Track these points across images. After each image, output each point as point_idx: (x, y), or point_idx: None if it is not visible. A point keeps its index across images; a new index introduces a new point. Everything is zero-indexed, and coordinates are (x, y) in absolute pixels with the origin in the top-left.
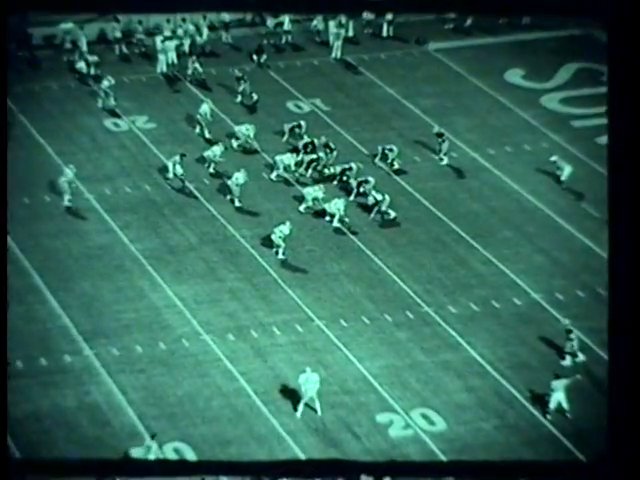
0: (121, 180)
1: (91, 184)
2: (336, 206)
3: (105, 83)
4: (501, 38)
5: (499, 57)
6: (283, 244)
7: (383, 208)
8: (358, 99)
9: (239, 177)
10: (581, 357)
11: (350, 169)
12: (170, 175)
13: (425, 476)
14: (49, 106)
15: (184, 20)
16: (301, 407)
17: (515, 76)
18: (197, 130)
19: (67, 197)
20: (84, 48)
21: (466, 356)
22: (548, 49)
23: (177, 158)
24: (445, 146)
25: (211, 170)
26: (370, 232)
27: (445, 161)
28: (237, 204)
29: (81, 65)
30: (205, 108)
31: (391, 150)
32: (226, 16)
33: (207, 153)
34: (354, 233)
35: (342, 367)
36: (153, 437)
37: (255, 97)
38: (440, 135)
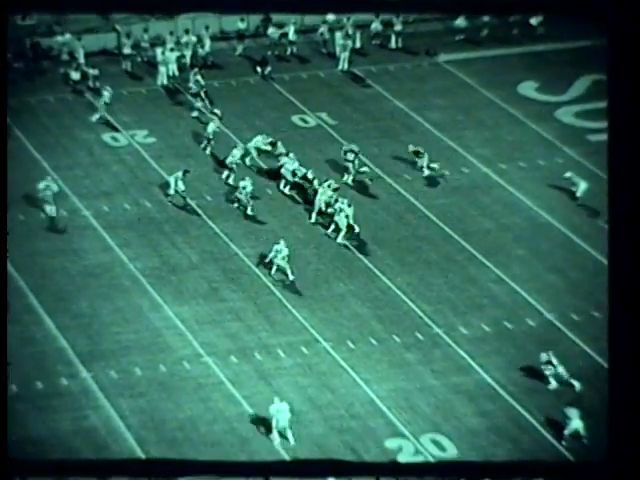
0: (120, 196)
1: (89, 200)
2: (343, 214)
3: (105, 94)
4: (514, 49)
5: (512, 69)
6: (288, 265)
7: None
8: (366, 113)
9: (246, 185)
10: (576, 385)
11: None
12: (171, 191)
13: (425, 477)
14: (45, 119)
15: (187, 31)
16: (276, 435)
17: (529, 88)
18: (208, 150)
19: (49, 208)
20: (81, 60)
21: (478, 379)
22: (563, 61)
23: (180, 174)
24: (424, 160)
25: (230, 181)
26: (378, 250)
27: (426, 173)
28: (249, 212)
29: (77, 76)
30: (212, 127)
31: (356, 154)
32: (240, 24)
33: (228, 159)
34: (363, 253)
35: (349, 390)
36: None
37: (218, 112)
38: (417, 153)
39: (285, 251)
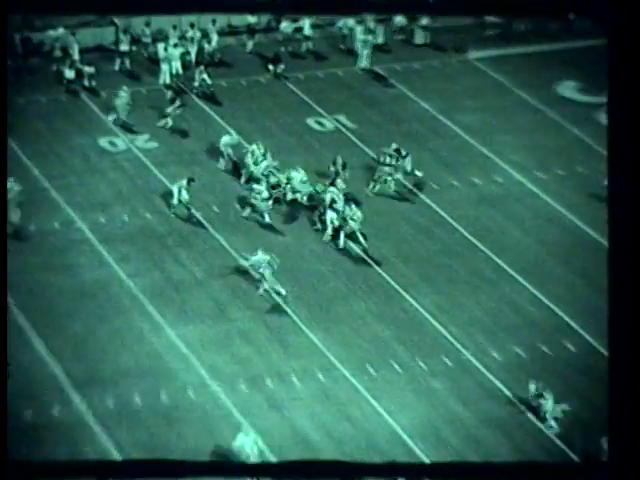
0: (118, 207)
1: (84, 211)
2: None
3: (123, 95)
4: (552, 45)
5: (550, 67)
6: (271, 278)
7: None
8: (389, 115)
9: (261, 190)
10: (553, 426)
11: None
12: (175, 202)
13: (425, 477)
14: (36, 122)
15: (192, 25)
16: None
17: (569, 89)
18: (222, 165)
19: (12, 213)
20: (76, 56)
21: (511, 409)
22: (606, 58)
23: (184, 183)
24: (407, 162)
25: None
26: (402, 266)
27: (407, 174)
28: (267, 220)
29: (71, 75)
30: (227, 140)
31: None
32: (250, 18)
33: (247, 159)
34: (385, 270)
35: (370, 421)
36: None
37: (170, 123)
38: (398, 151)
39: (262, 258)
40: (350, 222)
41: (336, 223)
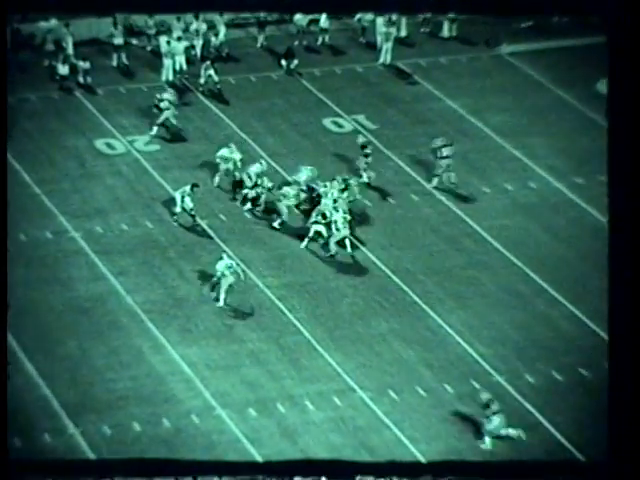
0: (116, 215)
1: (78, 220)
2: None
3: (169, 97)
4: (593, 39)
5: (590, 62)
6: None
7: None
8: (412, 115)
9: (289, 191)
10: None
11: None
12: (178, 209)
13: (425, 476)
14: (26, 122)
15: (197, 17)
16: None
17: None
18: (216, 182)
19: None
20: (70, 50)
21: (548, 438)
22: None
23: (187, 189)
24: (367, 161)
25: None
26: (427, 281)
27: (364, 178)
28: (285, 218)
29: (64, 70)
30: (225, 153)
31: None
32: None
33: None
34: (408, 285)
35: (391, 450)
36: None
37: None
38: (364, 147)
39: (223, 265)
40: (337, 229)
41: (321, 229)
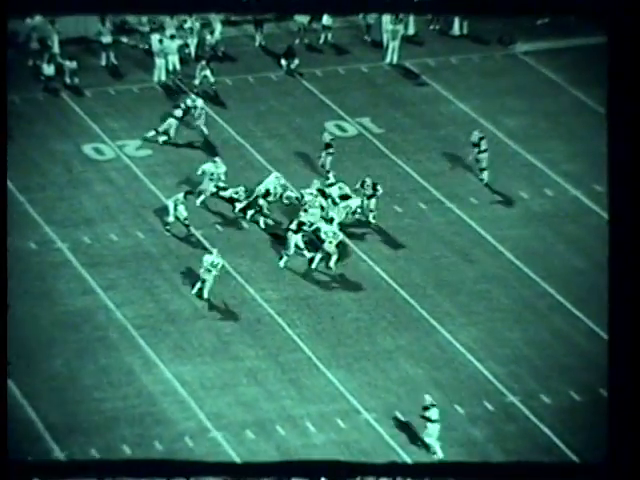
0: (105, 225)
1: (65, 230)
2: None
3: (198, 102)
4: None
5: None
6: (211, 279)
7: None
8: (420, 118)
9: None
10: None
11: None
12: (171, 219)
13: (425, 476)
14: (9, 126)
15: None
16: None
17: None
18: (199, 201)
19: None
20: (55, 49)
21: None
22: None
23: (180, 197)
24: (329, 160)
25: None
26: (436, 295)
27: (331, 180)
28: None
29: (50, 70)
30: (209, 167)
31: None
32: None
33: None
34: (417, 299)
35: None
36: None
37: (205, 131)
38: (328, 146)
39: (211, 261)
40: (327, 244)
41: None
